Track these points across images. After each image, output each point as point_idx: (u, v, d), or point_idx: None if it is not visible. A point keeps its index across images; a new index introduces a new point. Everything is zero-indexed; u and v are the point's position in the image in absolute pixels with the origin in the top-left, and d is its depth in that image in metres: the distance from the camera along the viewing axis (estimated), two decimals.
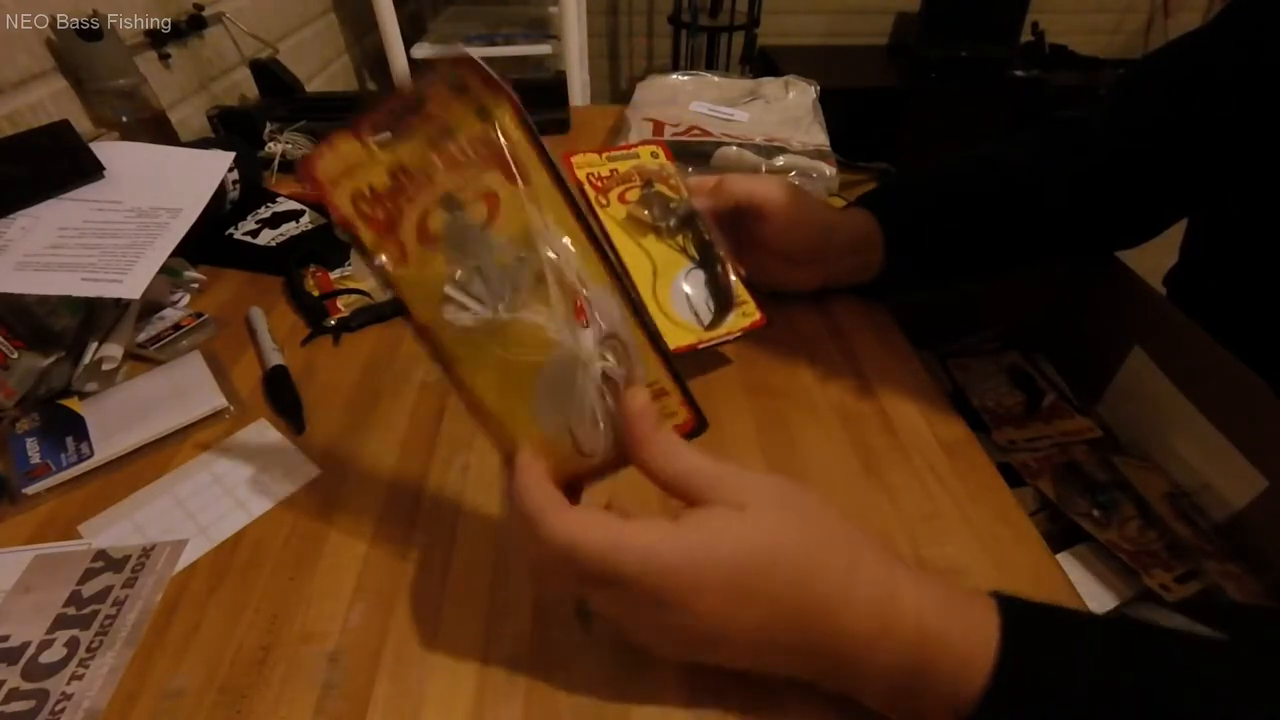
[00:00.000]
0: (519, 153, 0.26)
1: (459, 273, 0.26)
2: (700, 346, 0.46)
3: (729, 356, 0.52)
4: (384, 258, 0.26)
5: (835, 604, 0.27)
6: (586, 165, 0.49)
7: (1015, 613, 0.27)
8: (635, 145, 0.53)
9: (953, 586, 0.29)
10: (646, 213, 0.48)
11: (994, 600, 0.28)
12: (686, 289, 0.48)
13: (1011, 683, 0.25)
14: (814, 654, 0.28)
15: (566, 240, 0.26)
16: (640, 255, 0.47)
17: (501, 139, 0.26)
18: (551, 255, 0.26)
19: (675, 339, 0.45)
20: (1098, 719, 0.25)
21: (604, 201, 0.48)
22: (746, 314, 0.49)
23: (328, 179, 0.26)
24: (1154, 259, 0.61)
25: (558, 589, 0.31)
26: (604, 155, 0.51)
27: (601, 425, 0.28)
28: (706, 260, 0.49)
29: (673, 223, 0.48)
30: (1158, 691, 0.25)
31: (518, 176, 0.26)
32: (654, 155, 0.52)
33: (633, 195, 0.48)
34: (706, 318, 0.47)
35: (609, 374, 0.27)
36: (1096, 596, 0.48)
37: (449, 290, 0.26)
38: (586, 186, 0.48)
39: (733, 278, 0.49)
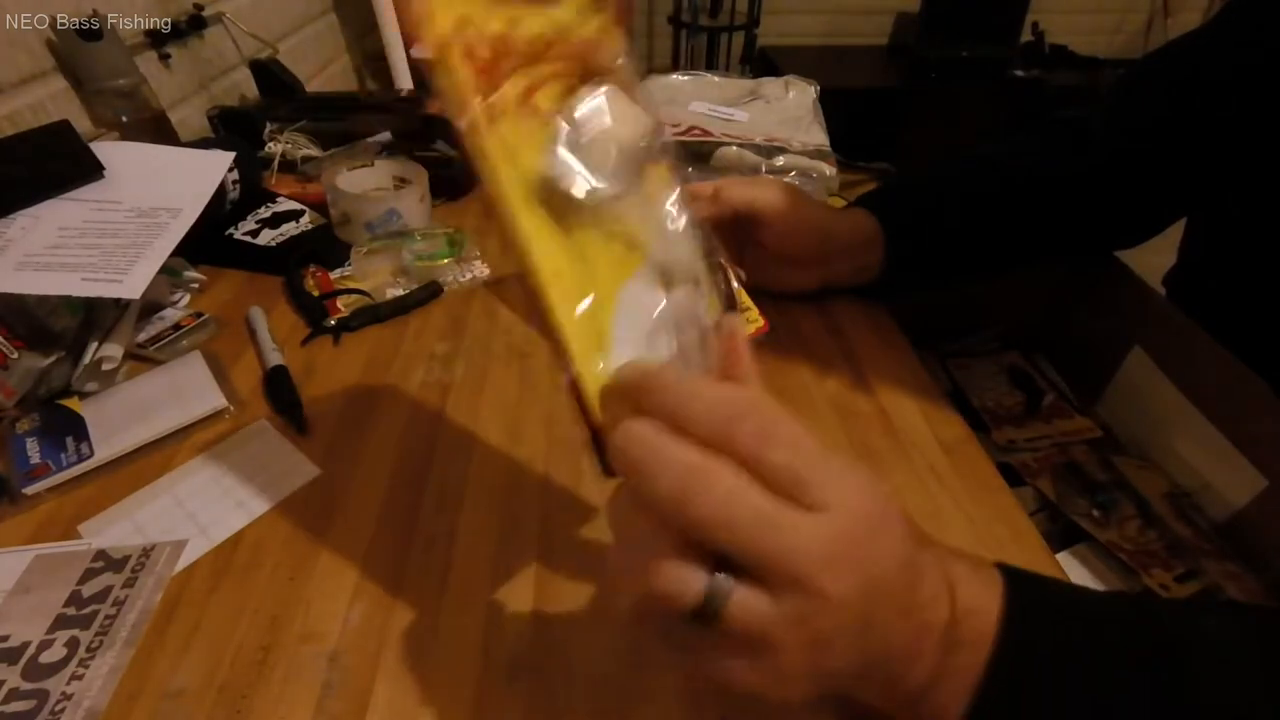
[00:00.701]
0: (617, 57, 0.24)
1: (583, 138, 0.21)
2: None
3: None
4: (479, 100, 0.21)
5: (916, 575, 0.24)
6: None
7: (1017, 589, 0.26)
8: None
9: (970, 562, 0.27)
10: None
11: (999, 573, 0.27)
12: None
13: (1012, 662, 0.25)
14: (888, 632, 0.24)
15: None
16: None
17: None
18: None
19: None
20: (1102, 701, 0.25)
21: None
22: (750, 320, 0.48)
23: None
24: (1154, 259, 0.61)
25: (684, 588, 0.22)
26: None
27: (686, 355, 0.23)
28: (709, 267, 0.36)
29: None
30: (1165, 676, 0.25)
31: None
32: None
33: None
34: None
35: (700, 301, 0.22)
36: None
37: (561, 152, 0.21)
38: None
39: (735, 284, 0.45)
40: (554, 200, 0.22)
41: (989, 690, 0.25)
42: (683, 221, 0.23)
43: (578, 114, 0.22)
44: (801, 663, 0.22)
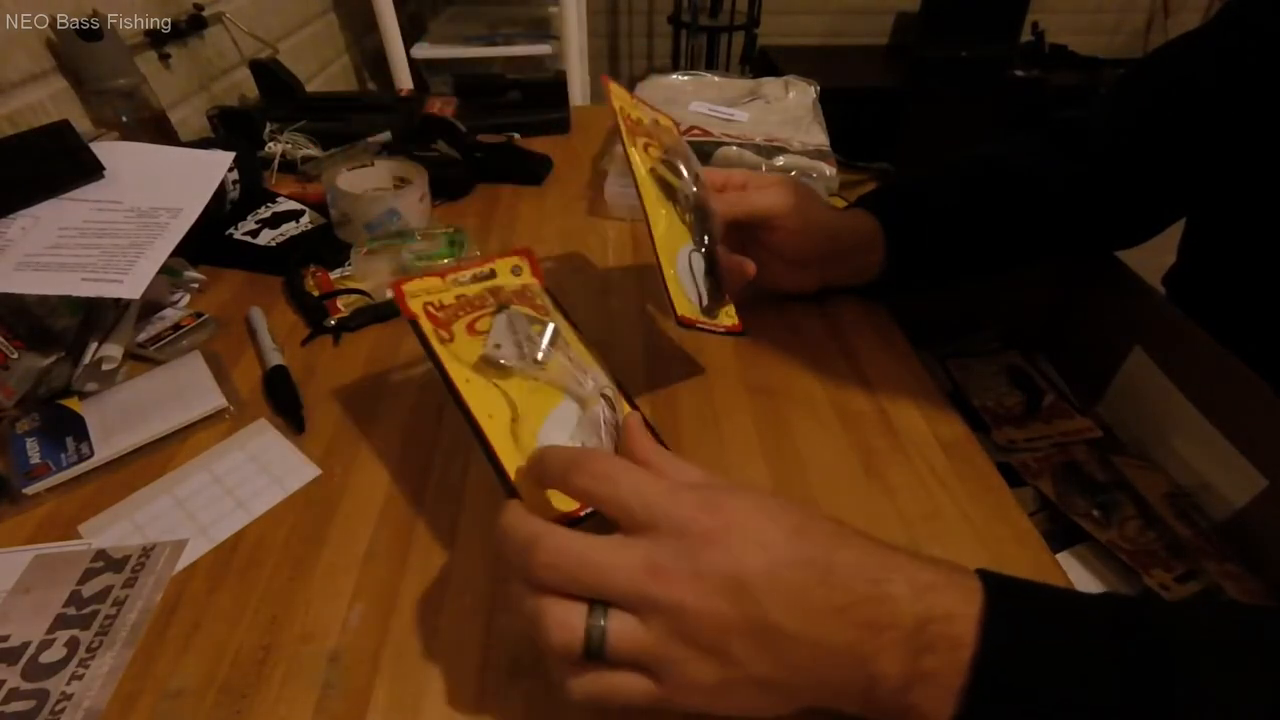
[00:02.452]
0: (537, 297, 0.42)
1: (497, 344, 0.37)
2: (697, 325, 0.45)
3: (729, 357, 0.52)
4: (439, 334, 0.37)
5: (838, 541, 0.27)
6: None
7: (999, 593, 0.27)
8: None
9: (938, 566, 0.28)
10: (671, 174, 0.46)
11: (978, 579, 0.27)
12: (690, 266, 0.47)
13: (995, 668, 0.25)
14: (844, 610, 0.26)
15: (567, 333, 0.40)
16: (663, 213, 0.46)
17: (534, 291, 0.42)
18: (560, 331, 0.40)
19: (681, 306, 0.44)
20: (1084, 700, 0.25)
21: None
22: (729, 315, 0.48)
23: (408, 293, 0.37)
24: (1154, 259, 0.61)
25: (566, 630, 0.26)
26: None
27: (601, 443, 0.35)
28: (709, 251, 0.47)
29: (686, 197, 0.46)
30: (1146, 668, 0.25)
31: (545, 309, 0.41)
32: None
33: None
34: (702, 302, 0.47)
35: (604, 409, 0.36)
36: None
37: (488, 351, 0.37)
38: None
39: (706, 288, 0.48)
40: (491, 370, 0.36)
41: (977, 692, 0.25)
42: (590, 376, 0.38)
43: (495, 328, 0.38)
44: (708, 671, 0.25)
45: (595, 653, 0.25)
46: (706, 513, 0.26)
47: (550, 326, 0.39)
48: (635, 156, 0.46)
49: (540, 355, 0.37)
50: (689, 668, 0.26)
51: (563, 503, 0.32)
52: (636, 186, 0.45)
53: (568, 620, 0.26)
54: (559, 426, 0.36)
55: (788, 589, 0.26)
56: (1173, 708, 0.25)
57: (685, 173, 0.47)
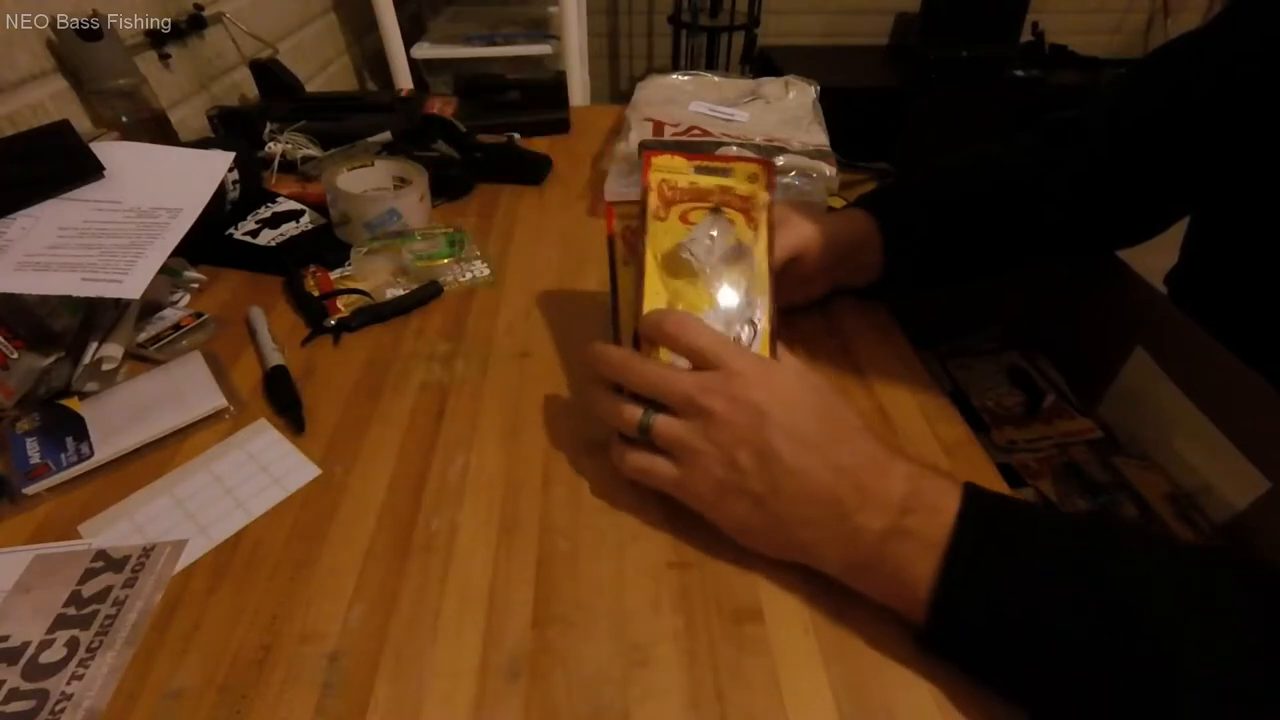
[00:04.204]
0: (755, 209, 0.43)
1: (692, 241, 0.40)
2: None
3: None
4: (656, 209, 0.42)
5: (862, 433, 0.35)
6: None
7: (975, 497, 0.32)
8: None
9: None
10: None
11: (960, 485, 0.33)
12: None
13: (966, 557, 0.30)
14: (845, 472, 0.33)
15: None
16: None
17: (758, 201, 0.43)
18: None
19: None
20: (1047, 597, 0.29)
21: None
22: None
23: (654, 166, 0.42)
24: (1155, 259, 0.61)
25: (631, 415, 0.37)
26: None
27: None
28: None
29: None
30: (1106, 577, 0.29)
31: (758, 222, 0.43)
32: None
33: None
34: None
35: (745, 331, 0.40)
36: None
37: (681, 247, 0.40)
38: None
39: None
40: (674, 261, 0.40)
41: (956, 550, 0.30)
42: (751, 301, 0.41)
43: (699, 226, 0.41)
44: (716, 468, 0.35)
45: (644, 431, 0.37)
46: (757, 367, 0.36)
47: (749, 249, 0.41)
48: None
49: (717, 260, 0.41)
50: (703, 459, 0.35)
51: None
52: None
53: (633, 411, 0.37)
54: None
55: (798, 432, 0.34)
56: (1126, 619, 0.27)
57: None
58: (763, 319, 0.40)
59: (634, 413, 0.37)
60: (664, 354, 0.38)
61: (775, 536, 0.35)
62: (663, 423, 0.36)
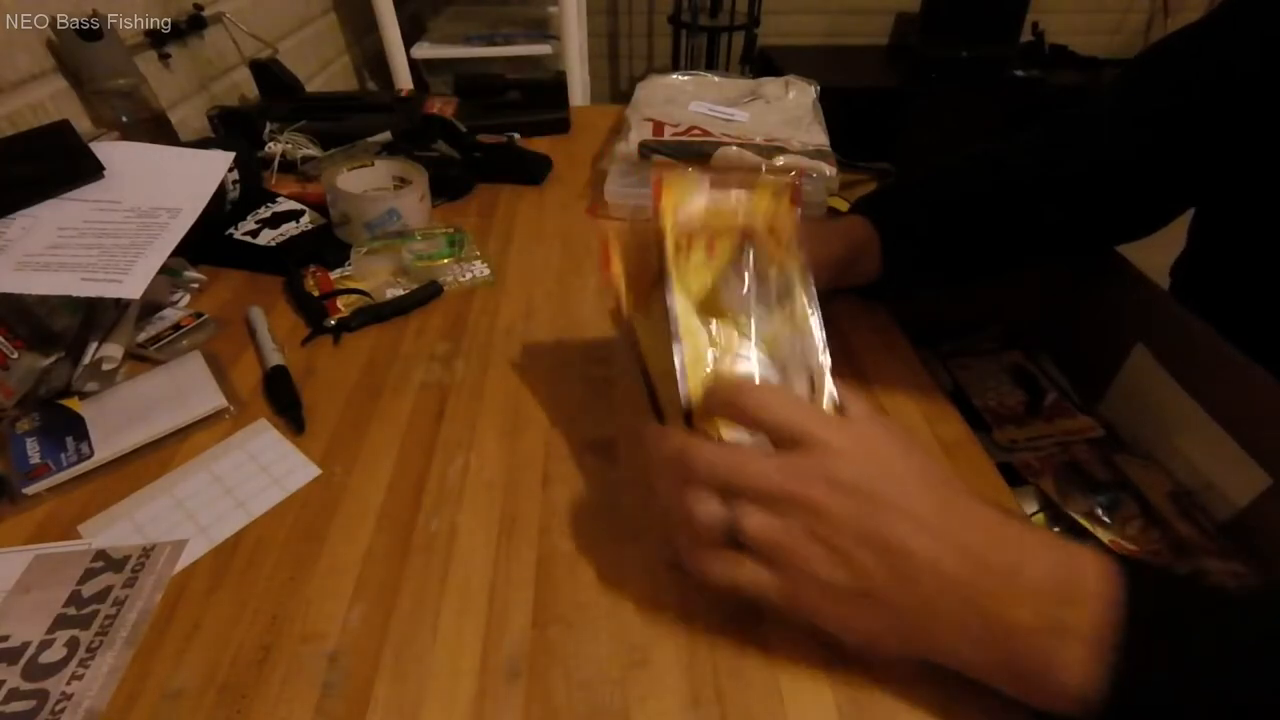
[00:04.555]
0: (785, 231, 0.37)
1: (727, 279, 0.35)
2: None
3: None
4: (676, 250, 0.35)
5: (965, 494, 0.30)
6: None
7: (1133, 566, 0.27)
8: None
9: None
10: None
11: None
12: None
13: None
14: (981, 557, 0.27)
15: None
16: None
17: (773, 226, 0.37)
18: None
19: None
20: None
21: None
22: None
23: (666, 185, 0.36)
24: (1157, 257, 0.61)
25: (709, 514, 0.30)
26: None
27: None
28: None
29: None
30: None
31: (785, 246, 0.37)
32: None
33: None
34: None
35: (802, 384, 0.35)
36: None
37: (717, 284, 0.35)
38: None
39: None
40: (715, 300, 0.35)
41: (1131, 647, 0.24)
42: (803, 345, 0.35)
43: (732, 260, 0.36)
44: (829, 570, 0.28)
45: (733, 536, 0.29)
46: (848, 436, 0.29)
47: (787, 277, 0.35)
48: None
49: (767, 303, 0.35)
50: (813, 563, 0.28)
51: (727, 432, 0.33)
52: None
53: (712, 508, 0.30)
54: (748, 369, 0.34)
55: (914, 512, 0.28)
56: None
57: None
58: (821, 364, 0.34)
59: (713, 511, 0.29)
60: (721, 424, 0.33)
61: (908, 642, 0.29)
62: (757, 524, 0.29)
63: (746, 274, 0.35)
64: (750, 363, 0.34)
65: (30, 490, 0.40)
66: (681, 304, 0.34)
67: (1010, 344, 0.70)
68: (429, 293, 0.58)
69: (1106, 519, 0.52)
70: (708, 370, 0.34)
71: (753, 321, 0.35)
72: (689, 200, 0.36)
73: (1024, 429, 0.61)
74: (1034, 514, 0.54)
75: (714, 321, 0.35)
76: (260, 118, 0.80)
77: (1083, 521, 0.52)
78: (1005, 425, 0.61)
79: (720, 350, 0.34)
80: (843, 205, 0.63)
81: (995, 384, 0.66)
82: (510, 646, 0.33)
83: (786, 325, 0.35)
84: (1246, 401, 0.46)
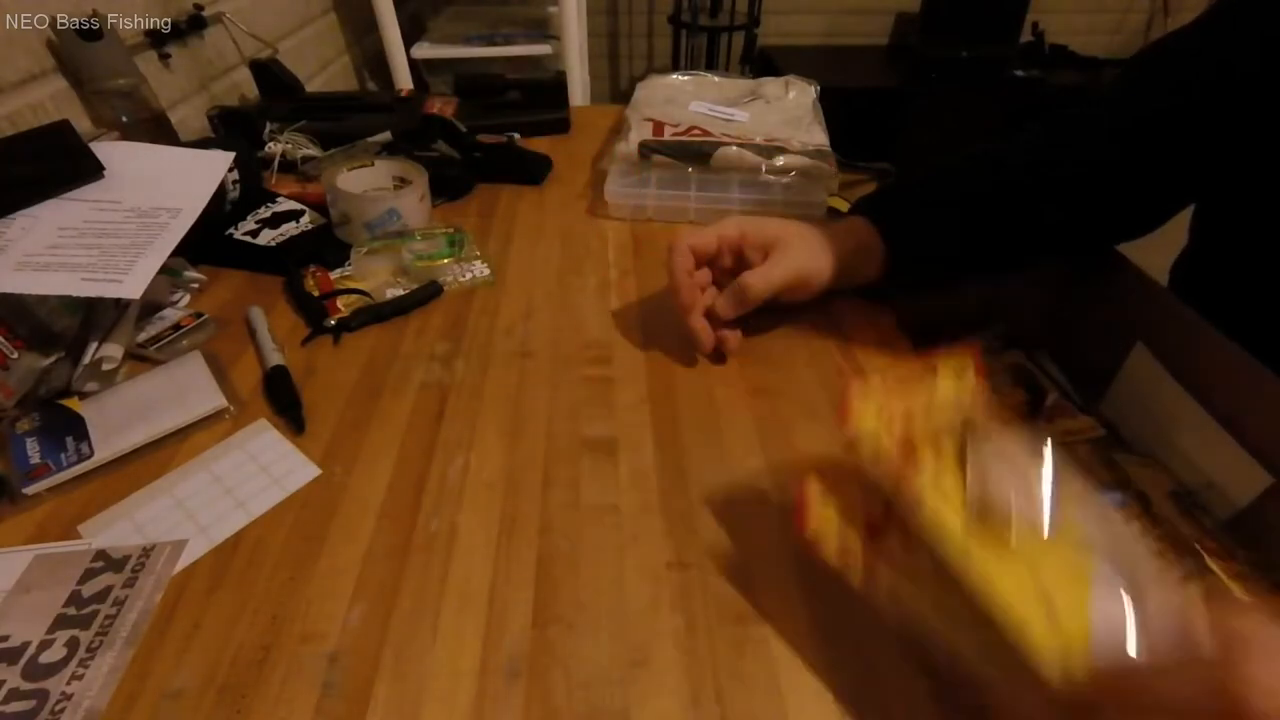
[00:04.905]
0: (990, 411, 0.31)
1: (989, 488, 0.27)
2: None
3: (729, 357, 0.51)
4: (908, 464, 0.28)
5: None
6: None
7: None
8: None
9: None
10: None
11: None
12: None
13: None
14: None
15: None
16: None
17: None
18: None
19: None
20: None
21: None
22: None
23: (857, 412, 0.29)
24: (1158, 257, 0.61)
25: None
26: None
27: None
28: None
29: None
30: None
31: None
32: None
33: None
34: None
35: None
36: None
37: (979, 496, 0.27)
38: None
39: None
40: (990, 522, 0.26)
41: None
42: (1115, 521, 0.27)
43: (976, 464, 0.28)
44: None
45: None
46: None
47: (1047, 456, 0.28)
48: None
49: (1050, 504, 0.27)
50: None
51: None
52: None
53: None
54: (1112, 604, 0.24)
55: None
56: None
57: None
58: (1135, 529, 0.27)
59: None
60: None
61: None
62: None
63: (1009, 468, 0.28)
64: (1104, 577, 0.25)
65: (30, 490, 0.40)
66: (951, 532, 0.26)
67: (1010, 344, 0.70)
68: (429, 293, 0.58)
69: None
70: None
71: (1052, 521, 0.26)
72: (888, 405, 0.30)
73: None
74: None
75: (1018, 549, 0.26)
76: (260, 118, 0.80)
77: None
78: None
79: (1036, 579, 0.25)
80: (843, 205, 0.63)
81: (996, 384, 0.66)
82: (510, 646, 0.33)
83: (1090, 525, 0.27)
84: (1247, 400, 0.46)
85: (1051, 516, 0.27)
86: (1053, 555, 0.26)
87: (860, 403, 0.30)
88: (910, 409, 0.30)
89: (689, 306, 0.50)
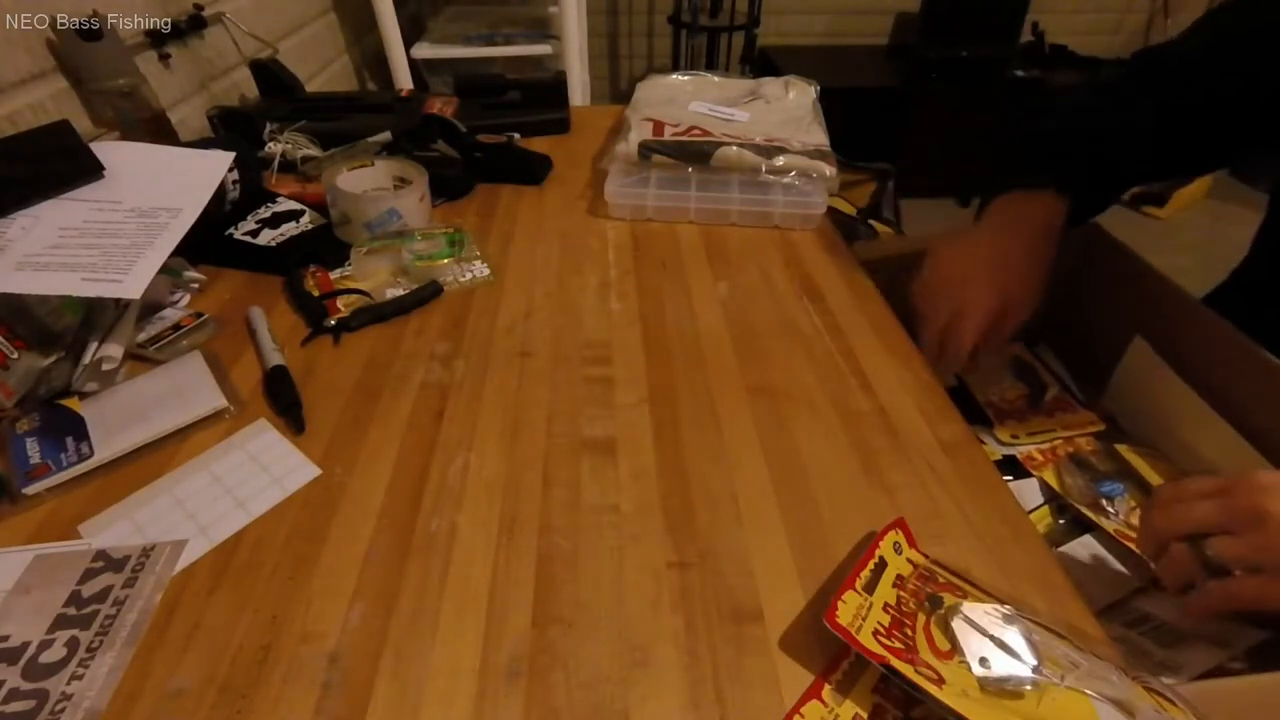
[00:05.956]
0: (938, 574, 0.35)
1: (982, 659, 0.30)
2: None
3: (729, 357, 0.52)
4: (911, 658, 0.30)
5: None
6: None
7: None
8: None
9: None
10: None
11: None
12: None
13: None
14: None
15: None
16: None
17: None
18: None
19: None
20: None
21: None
22: None
23: (850, 626, 0.31)
24: (1165, 260, 0.61)
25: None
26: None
27: None
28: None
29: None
30: None
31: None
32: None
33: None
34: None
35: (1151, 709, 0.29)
36: (1104, 586, 0.48)
37: (979, 672, 0.29)
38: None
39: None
40: (991, 694, 0.29)
41: None
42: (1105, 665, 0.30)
43: (960, 637, 0.31)
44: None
45: (1211, 563, 0.36)
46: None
47: (1011, 616, 0.31)
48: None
49: (1037, 659, 0.29)
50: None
51: None
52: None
53: (1181, 550, 0.37)
54: None
55: None
56: None
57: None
58: (1118, 670, 0.29)
59: (1182, 552, 0.37)
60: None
61: None
62: (1221, 545, 0.36)
63: (991, 640, 0.30)
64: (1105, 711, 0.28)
65: (30, 490, 0.40)
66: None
67: (1012, 339, 0.70)
68: (429, 293, 0.58)
69: (1110, 509, 0.52)
70: None
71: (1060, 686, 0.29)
72: (863, 621, 0.32)
73: (1026, 423, 0.61)
74: (1038, 506, 0.54)
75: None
76: (260, 118, 0.80)
77: (1086, 512, 0.52)
78: (1007, 420, 0.61)
79: None
80: (843, 205, 0.63)
81: (998, 379, 0.66)
82: (510, 646, 0.33)
83: (1065, 649, 0.30)
84: (1247, 391, 0.46)
85: (1038, 672, 0.30)
86: (1054, 705, 0.29)
87: (847, 621, 0.32)
88: (886, 600, 0.33)
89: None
